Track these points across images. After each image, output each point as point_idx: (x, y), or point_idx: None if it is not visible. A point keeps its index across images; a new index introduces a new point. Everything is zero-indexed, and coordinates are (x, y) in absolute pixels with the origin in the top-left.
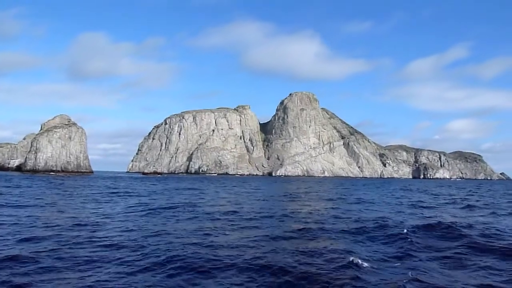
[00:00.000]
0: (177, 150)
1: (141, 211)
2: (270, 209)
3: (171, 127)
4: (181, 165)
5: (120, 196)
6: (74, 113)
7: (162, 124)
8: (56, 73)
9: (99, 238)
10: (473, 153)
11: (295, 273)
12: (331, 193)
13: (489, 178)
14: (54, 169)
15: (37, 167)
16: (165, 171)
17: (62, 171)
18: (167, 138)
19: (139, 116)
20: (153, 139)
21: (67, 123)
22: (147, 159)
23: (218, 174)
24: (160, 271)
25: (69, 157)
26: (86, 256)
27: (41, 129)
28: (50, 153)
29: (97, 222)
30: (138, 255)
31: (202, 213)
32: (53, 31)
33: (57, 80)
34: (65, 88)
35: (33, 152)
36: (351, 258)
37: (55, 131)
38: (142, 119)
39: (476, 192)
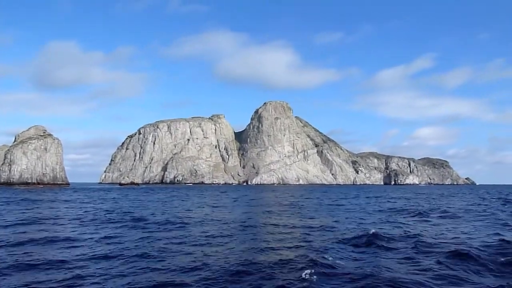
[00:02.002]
0: (152, 160)
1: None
2: None
3: (145, 136)
4: (156, 175)
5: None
6: (42, 123)
7: (135, 134)
8: (24, 82)
9: None
10: (440, 159)
11: None
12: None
13: (455, 183)
14: (30, 181)
15: (11, 179)
16: (140, 181)
17: (38, 183)
18: (141, 148)
19: (110, 126)
20: (126, 149)
21: (42, 134)
22: (121, 169)
23: (193, 183)
24: None
25: (45, 169)
26: None
27: (15, 141)
28: (25, 165)
29: None
30: None
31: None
32: (20, 40)
33: (25, 89)
34: (33, 97)
35: (7, 164)
36: None
37: (30, 143)
38: (113, 129)
39: None
